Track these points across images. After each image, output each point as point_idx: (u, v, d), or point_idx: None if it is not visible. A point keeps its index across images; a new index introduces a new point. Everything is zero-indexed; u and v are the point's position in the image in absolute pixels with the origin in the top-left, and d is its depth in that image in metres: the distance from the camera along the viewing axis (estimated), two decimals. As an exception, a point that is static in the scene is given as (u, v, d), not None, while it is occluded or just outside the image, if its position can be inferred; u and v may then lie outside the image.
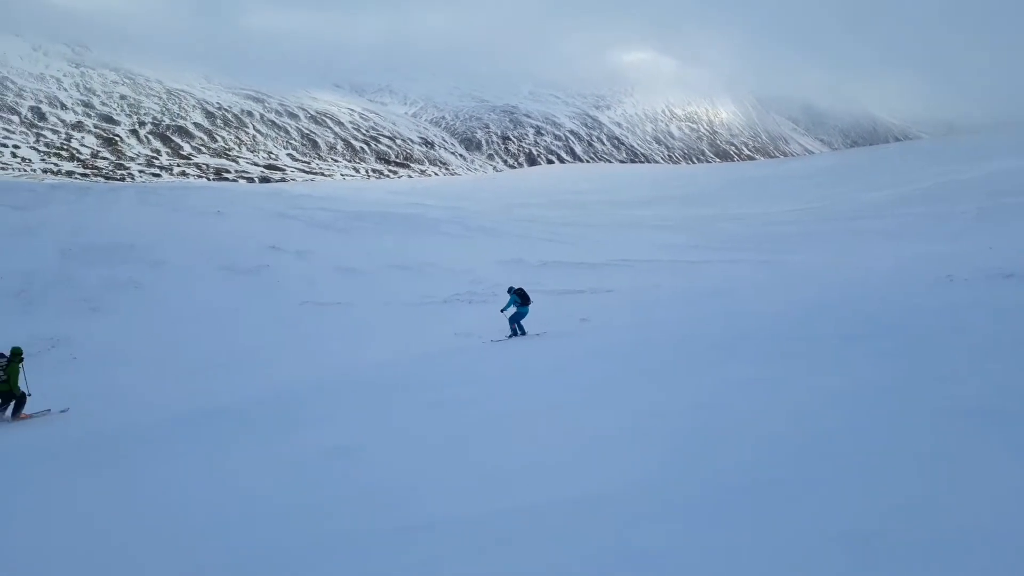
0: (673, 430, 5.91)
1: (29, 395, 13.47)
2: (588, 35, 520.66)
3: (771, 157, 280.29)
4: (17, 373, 13.21)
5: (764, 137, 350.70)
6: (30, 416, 13.23)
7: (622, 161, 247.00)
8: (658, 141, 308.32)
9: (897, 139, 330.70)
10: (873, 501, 3.75)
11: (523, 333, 16.77)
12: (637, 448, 5.55)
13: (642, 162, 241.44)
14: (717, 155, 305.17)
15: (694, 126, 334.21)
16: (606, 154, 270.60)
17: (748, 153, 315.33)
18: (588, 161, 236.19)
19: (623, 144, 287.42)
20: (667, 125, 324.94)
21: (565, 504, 4.42)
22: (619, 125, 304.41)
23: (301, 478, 6.35)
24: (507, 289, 17.35)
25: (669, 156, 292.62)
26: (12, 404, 13.18)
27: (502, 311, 17.15)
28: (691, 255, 33.79)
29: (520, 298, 16.73)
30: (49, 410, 13.51)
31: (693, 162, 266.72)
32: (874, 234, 35.40)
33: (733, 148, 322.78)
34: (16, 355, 13.36)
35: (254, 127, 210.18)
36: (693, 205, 61.21)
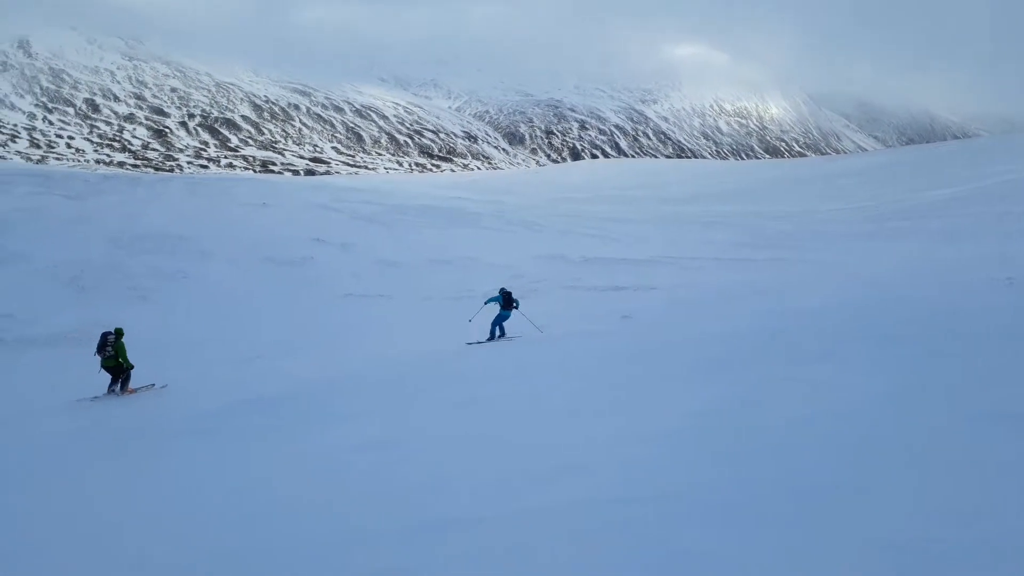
0: (707, 431, 5.70)
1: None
2: (636, 29, 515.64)
3: (823, 154, 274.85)
4: (124, 348, 14.14)
5: (815, 133, 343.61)
6: (135, 391, 14.18)
7: (668, 156, 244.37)
8: (706, 136, 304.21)
9: (955, 136, 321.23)
10: (920, 507, 3.63)
11: (502, 335, 16.97)
12: (667, 449, 5.37)
13: (689, 157, 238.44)
14: (767, 151, 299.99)
15: (743, 121, 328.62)
16: (652, 149, 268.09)
17: (799, 150, 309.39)
18: (633, 156, 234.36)
19: (669, 139, 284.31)
20: (715, 120, 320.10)
21: (593, 505, 4.31)
22: (666, 120, 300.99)
23: (323, 474, 6.32)
24: (499, 289, 17.66)
25: (717, 152, 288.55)
26: (121, 378, 14.12)
27: (485, 303, 17.59)
28: (736, 253, 33.19)
29: (504, 300, 16.91)
30: (153, 384, 14.55)
31: (742, 158, 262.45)
32: (929, 234, 34.28)
33: (783, 144, 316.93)
34: (119, 333, 14.30)
35: (300, 120, 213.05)
36: (740, 202, 60.11)
